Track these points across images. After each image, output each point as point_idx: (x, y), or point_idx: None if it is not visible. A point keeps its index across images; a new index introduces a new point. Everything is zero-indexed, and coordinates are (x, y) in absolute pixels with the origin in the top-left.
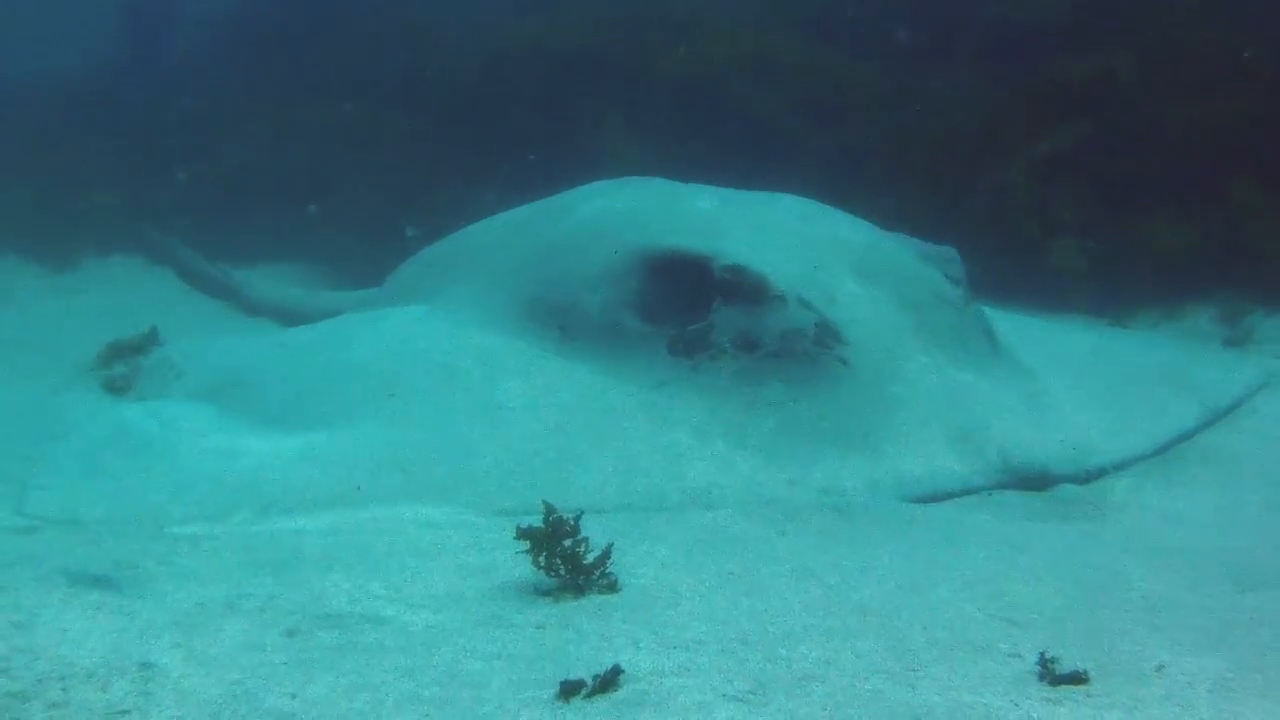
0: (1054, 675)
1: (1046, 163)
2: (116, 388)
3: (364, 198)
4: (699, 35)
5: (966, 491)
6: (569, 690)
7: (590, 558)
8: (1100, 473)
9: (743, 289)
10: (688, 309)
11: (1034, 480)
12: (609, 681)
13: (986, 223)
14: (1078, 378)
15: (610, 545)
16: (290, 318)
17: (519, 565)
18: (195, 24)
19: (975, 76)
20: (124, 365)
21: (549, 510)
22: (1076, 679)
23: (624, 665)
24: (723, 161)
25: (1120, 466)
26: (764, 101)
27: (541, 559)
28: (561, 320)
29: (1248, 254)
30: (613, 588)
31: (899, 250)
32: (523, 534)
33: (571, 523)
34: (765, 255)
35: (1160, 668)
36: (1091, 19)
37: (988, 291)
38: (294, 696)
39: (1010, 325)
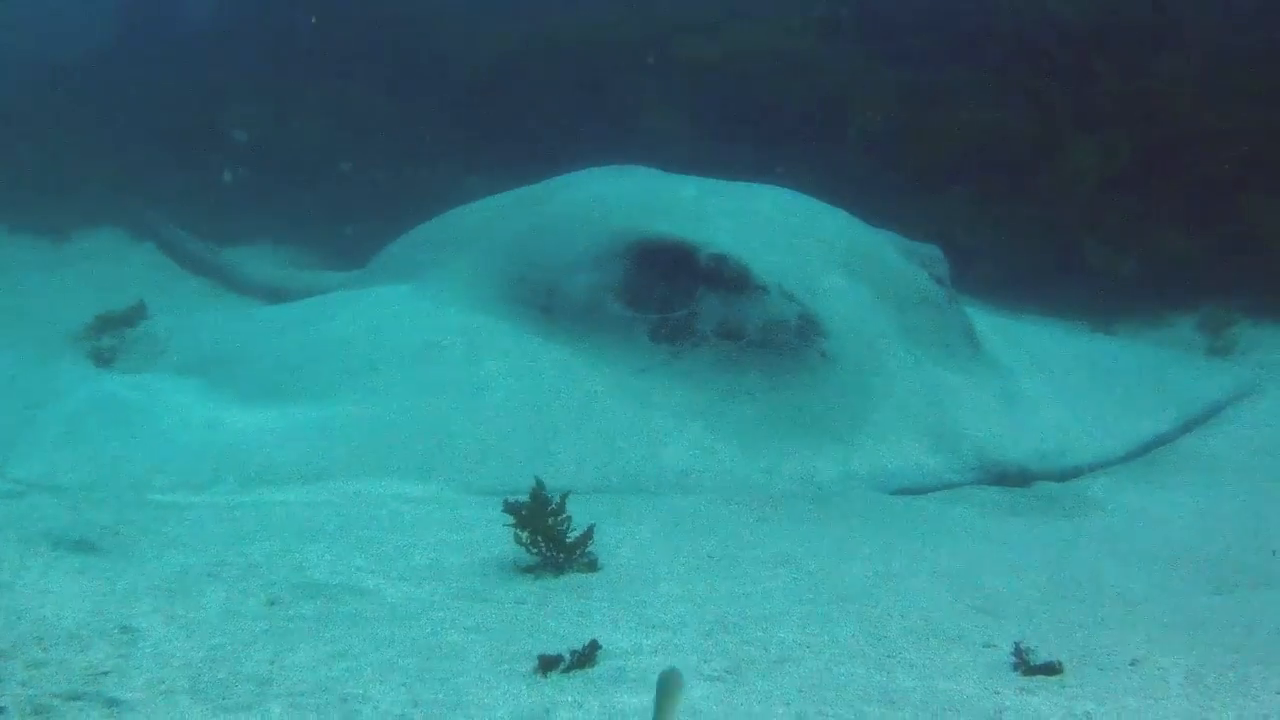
0: (1028, 665)
1: (1086, 171)
2: (103, 359)
3: (368, 187)
4: (720, 32)
5: (941, 486)
6: (547, 665)
7: (572, 536)
8: (1075, 473)
9: (726, 278)
10: (670, 295)
11: (1009, 478)
12: (586, 657)
13: (1021, 229)
14: (1057, 379)
15: (592, 526)
16: (276, 297)
17: (499, 542)
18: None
19: (1004, 81)
20: (111, 337)
21: (539, 487)
22: (1050, 669)
23: (602, 642)
24: (747, 159)
25: (1095, 467)
26: (780, 100)
27: (525, 535)
28: (544, 302)
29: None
30: (592, 567)
31: (883, 246)
32: (510, 509)
33: (556, 501)
34: (749, 246)
35: (1134, 661)
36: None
37: (1020, 295)
38: (273, 663)
39: (991, 326)
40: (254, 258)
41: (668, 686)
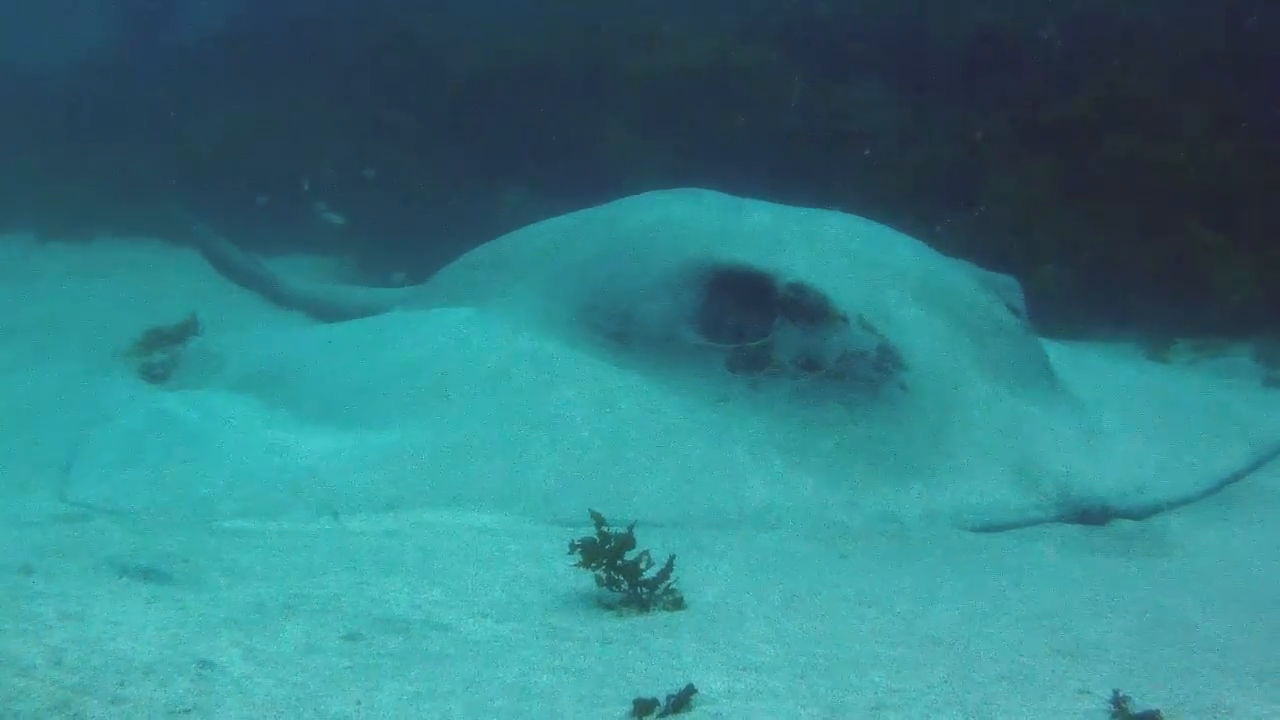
0: (1127, 714)
1: (1024, 192)
2: (155, 375)
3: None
4: (669, 46)
5: (1023, 523)
6: (643, 709)
7: (651, 573)
8: (1154, 510)
9: (804, 308)
10: (745, 324)
11: (1091, 515)
12: (682, 702)
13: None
14: (1129, 412)
15: (672, 559)
16: (326, 313)
17: (579, 577)
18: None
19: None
20: (163, 353)
21: (599, 521)
22: (1151, 719)
23: (696, 685)
24: (699, 169)
25: (1173, 505)
26: (730, 115)
27: (601, 573)
28: (618, 329)
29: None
30: (678, 605)
31: (959, 276)
32: (576, 547)
33: (628, 535)
34: (826, 275)
35: (1231, 710)
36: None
37: None
38: (359, 703)
39: (1059, 356)
40: (289, 270)
41: None
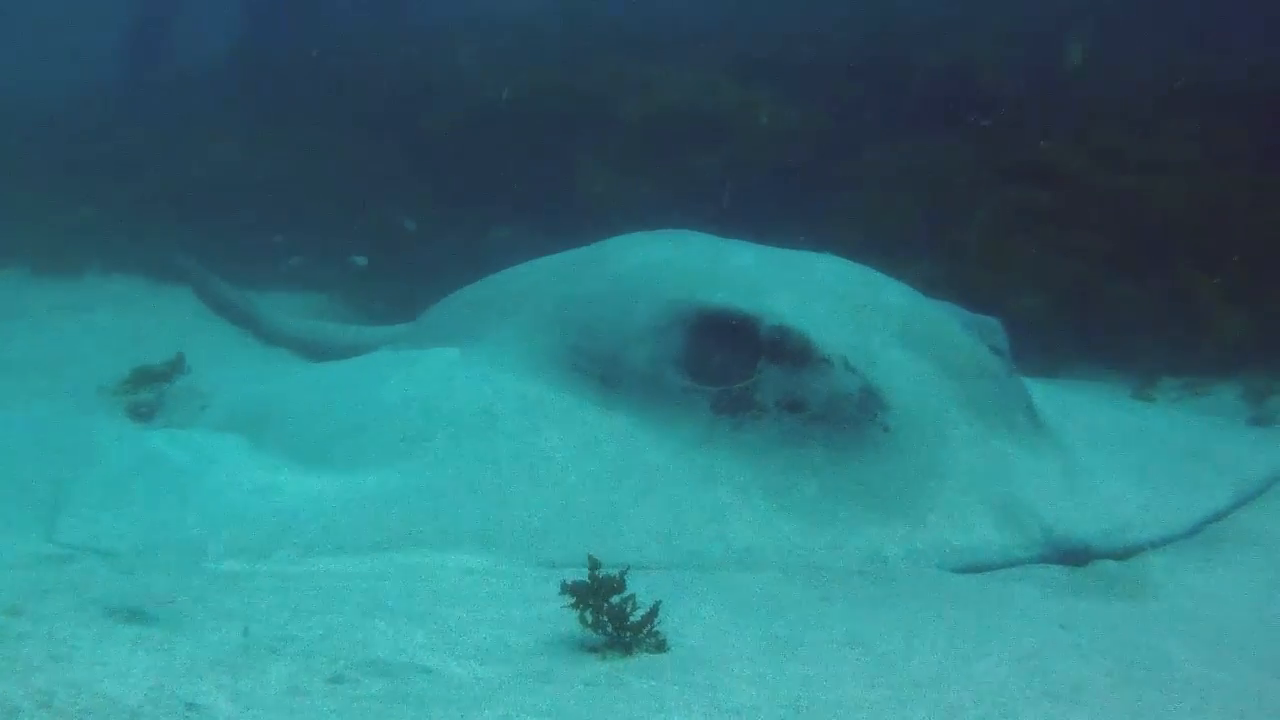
0: None
1: (1002, 222)
2: (141, 414)
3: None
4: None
5: (1007, 564)
6: None
7: (637, 615)
8: (1137, 550)
9: (788, 350)
10: (729, 366)
11: (1074, 555)
12: None
13: (942, 275)
14: (1113, 452)
15: (658, 604)
16: (314, 351)
17: (564, 619)
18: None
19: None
20: (150, 391)
21: (593, 565)
22: None
23: None
24: (685, 208)
25: (1156, 544)
26: (716, 155)
27: (588, 615)
28: (603, 371)
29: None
30: (661, 647)
31: (942, 317)
32: (568, 589)
33: (618, 579)
34: (811, 317)
35: None
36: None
37: None
38: None
39: (1043, 395)
40: (275, 306)
41: None
